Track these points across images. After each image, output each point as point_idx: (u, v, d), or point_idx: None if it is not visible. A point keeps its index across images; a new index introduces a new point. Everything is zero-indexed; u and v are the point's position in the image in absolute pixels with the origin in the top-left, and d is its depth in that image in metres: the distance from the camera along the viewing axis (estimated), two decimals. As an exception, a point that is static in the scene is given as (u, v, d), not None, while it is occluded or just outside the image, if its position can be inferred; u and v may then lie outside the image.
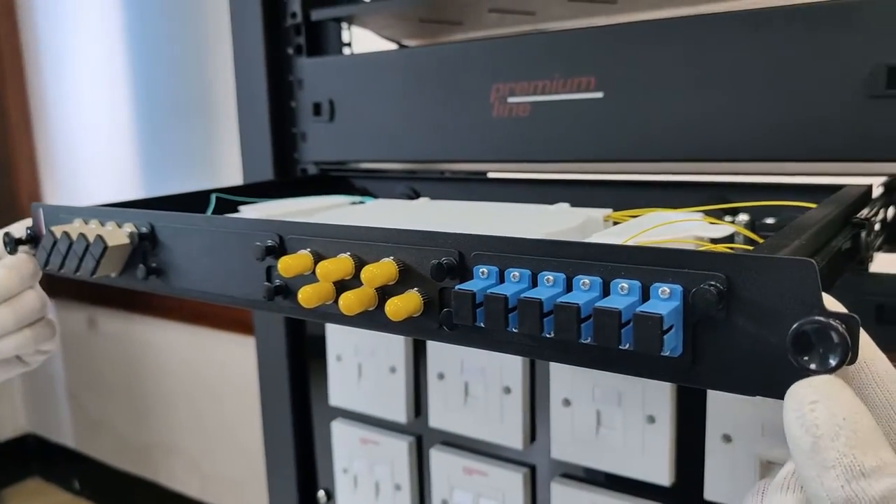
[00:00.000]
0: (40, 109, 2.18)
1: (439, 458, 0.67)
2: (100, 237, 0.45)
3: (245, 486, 1.84)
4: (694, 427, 0.53)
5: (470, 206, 0.57)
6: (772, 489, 0.27)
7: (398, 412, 0.68)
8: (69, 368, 2.31)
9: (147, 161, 1.90)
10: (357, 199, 0.63)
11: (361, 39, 0.77)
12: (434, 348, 0.65)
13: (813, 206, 0.41)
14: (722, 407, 0.51)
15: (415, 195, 0.68)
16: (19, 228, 0.51)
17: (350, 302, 0.35)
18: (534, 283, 0.31)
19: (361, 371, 0.70)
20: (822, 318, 0.25)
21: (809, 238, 0.33)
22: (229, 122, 1.64)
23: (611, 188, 0.58)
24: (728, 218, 0.50)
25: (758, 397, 0.49)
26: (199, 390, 1.91)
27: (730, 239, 0.44)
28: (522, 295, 0.30)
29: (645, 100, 0.54)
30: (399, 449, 0.69)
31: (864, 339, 0.26)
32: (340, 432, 0.74)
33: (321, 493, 0.78)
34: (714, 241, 0.41)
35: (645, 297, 0.28)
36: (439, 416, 0.66)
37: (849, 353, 0.24)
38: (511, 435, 0.62)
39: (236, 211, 0.59)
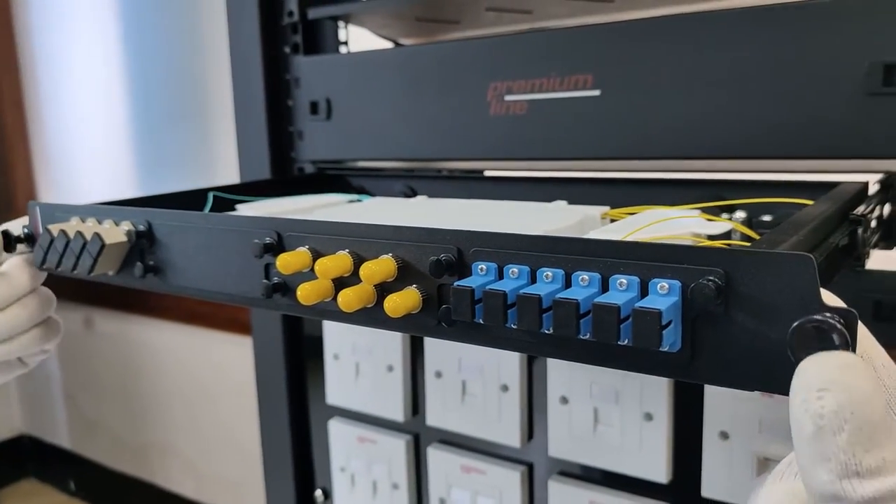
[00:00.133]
0: (36, 109, 2.18)
1: (437, 457, 0.67)
2: (97, 235, 0.45)
3: (242, 486, 1.84)
4: (691, 424, 0.53)
5: (467, 203, 0.57)
6: (770, 478, 0.27)
7: (395, 411, 0.68)
8: (65, 369, 2.30)
9: (143, 160, 1.90)
10: (354, 197, 0.63)
11: (358, 38, 0.77)
12: (432, 346, 0.65)
13: (810, 202, 0.41)
14: (719, 404, 0.51)
15: (412, 193, 0.68)
16: (15, 227, 0.51)
17: (349, 299, 0.35)
18: (532, 280, 0.31)
19: (359, 370, 0.70)
20: (820, 314, 0.25)
21: (807, 234, 0.33)
22: (226, 122, 1.63)
23: (608, 186, 0.58)
24: (725, 215, 0.50)
25: (755, 394, 0.49)
26: (196, 390, 1.91)
27: (727, 236, 0.44)
28: (521, 291, 0.30)
29: (642, 98, 0.54)
30: (396, 447, 0.69)
31: (863, 332, 0.26)
32: (338, 431, 0.74)
33: (318, 492, 0.78)
34: (711, 237, 0.41)
35: (643, 292, 0.28)
36: (437, 415, 0.66)
37: (847, 348, 0.24)
38: (509, 433, 0.62)
39: (233, 209, 0.59)
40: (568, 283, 0.30)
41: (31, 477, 2.48)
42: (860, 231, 0.38)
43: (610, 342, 0.28)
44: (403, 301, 0.34)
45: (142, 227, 0.46)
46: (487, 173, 0.72)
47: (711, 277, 0.27)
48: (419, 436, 0.69)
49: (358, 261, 0.36)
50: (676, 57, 0.52)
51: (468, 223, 0.35)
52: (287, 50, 0.74)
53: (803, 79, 0.48)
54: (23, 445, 2.48)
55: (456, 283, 0.32)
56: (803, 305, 0.25)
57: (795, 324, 0.25)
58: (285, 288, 0.40)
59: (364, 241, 0.36)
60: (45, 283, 0.51)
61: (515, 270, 0.31)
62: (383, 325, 0.37)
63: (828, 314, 0.25)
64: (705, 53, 0.51)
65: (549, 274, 0.30)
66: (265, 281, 0.40)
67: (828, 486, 0.22)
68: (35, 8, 2.09)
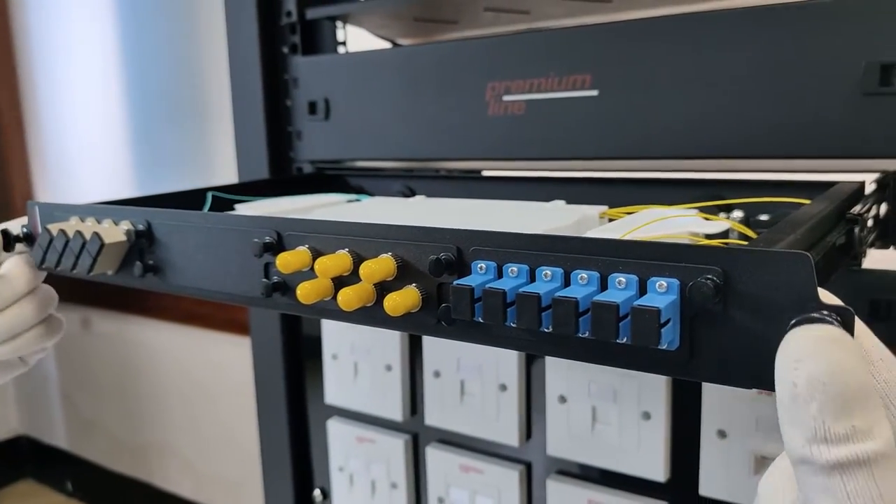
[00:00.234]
0: (33, 109, 2.17)
1: (435, 456, 0.67)
2: (96, 234, 0.45)
3: (240, 486, 1.84)
4: (689, 423, 0.53)
5: (466, 203, 0.57)
6: (781, 454, 0.28)
7: (394, 410, 0.69)
8: (62, 369, 2.30)
9: (141, 160, 1.90)
10: (353, 197, 0.63)
11: (356, 39, 0.77)
12: (430, 346, 0.65)
13: (807, 202, 0.41)
14: (716, 403, 0.52)
15: (410, 193, 0.68)
16: (14, 226, 0.51)
17: (349, 298, 0.35)
18: (532, 278, 0.31)
19: (357, 369, 0.70)
20: (817, 311, 0.25)
21: (804, 233, 0.33)
22: (223, 122, 1.63)
23: (606, 185, 0.58)
24: (723, 215, 0.50)
25: (752, 393, 0.50)
26: (194, 391, 1.91)
27: (724, 235, 0.44)
28: (521, 289, 0.30)
29: (640, 98, 0.54)
30: (395, 447, 0.69)
31: (861, 328, 0.26)
32: (336, 431, 0.74)
33: (317, 492, 0.79)
34: (709, 236, 0.41)
35: (642, 291, 0.29)
36: (435, 414, 0.66)
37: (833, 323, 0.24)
38: (507, 432, 0.62)
39: (232, 209, 0.59)
40: (567, 282, 0.30)
41: (29, 478, 2.48)
42: (857, 230, 0.38)
43: (609, 340, 0.28)
44: (403, 300, 0.34)
45: (141, 227, 0.46)
46: (485, 173, 0.73)
47: (710, 276, 0.27)
48: (418, 435, 0.69)
49: (357, 260, 0.36)
50: (674, 57, 0.52)
51: (467, 222, 0.35)
52: (285, 50, 0.74)
53: (800, 79, 0.48)
54: (20, 446, 2.47)
55: (455, 282, 0.32)
56: (801, 303, 0.26)
57: (793, 321, 0.25)
58: (285, 287, 0.40)
59: (364, 240, 0.36)
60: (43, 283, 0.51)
61: (515, 269, 0.32)
62: (383, 323, 0.37)
63: (825, 312, 0.25)
64: (703, 53, 0.51)
65: (549, 273, 0.31)
66: (265, 280, 0.40)
67: (799, 449, 0.23)
68: (32, 8, 2.09)
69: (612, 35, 0.55)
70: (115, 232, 0.46)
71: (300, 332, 0.77)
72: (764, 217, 0.50)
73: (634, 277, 0.29)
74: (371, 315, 0.36)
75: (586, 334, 0.29)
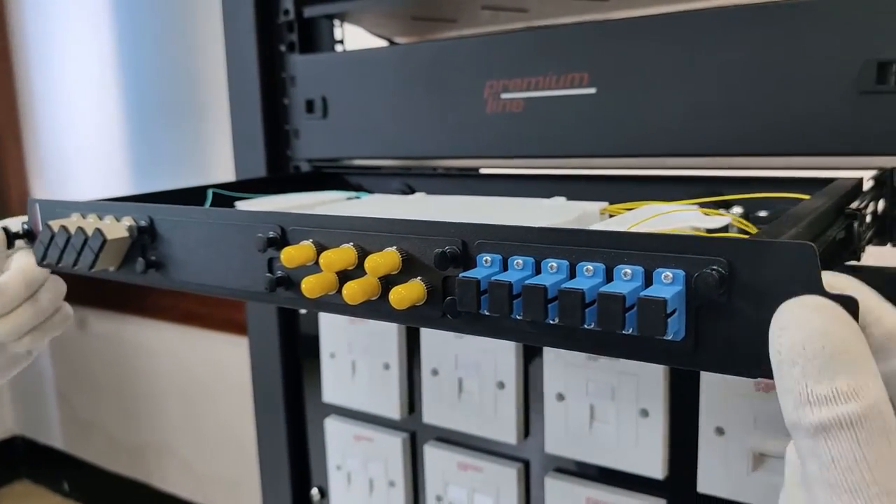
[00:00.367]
0: (29, 109, 2.17)
1: (433, 454, 0.67)
2: (98, 230, 0.45)
3: (239, 486, 1.84)
4: (687, 420, 0.53)
5: (466, 200, 0.57)
6: None
7: (392, 409, 0.68)
8: (58, 369, 2.29)
9: (137, 160, 1.90)
10: (352, 194, 0.63)
11: (354, 38, 0.77)
12: (428, 344, 0.65)
13: (806, 197, 0.42)
14: (714, 400, 0.52)
15: (409, 191, 0.68)
16: (14, 224, 0.51)
17: (354, 291, 0.35)
18: (537, 271, 0.31)
19: (355, 368, 0.70)
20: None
21: (805, 227, 0.33)
22: (221, 121, 1.63)
23: (605, 182, 0.58)
24: (722, 211, 0.50)
25: (750, 390, 0.50)
26: (192, 391, 1.91)
27: (725, 230, 0.44)
28: (527, 281, 0.30)
29: (637, 96, 0.54)
30: (393, 445, 0.69)
31: (865, 290, 0.27)
32: (334, 429, 0.74)
33: (315, 491, 0.78)
34: (710, 231, 0.42)
35: (648, 282, 0.29)
36: (433, 413, 0.66)
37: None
38: (505, 430, 0.62)
39: (232, 207, 0.59)
40: (572, 274, 0.31)
41: (25, 478, 2.47)
42: (856, 225, 0.38)
43: (615, 331, 0.28)
44: (409, 293, 0.34)
45: (143, 223, 0.46)
46: (483, 170, 0.73)
47: (715, 267, 0.27)
48: (416, 433, 0.69)
49: (362, 254, 0.36)
50: (671, 55, 0.52)
51: (469, 218, 0.35)
52: (283, 48, 0.74)
53: (797, 76, 0.48)
54: (16, 447, 2.47)
55: (461, 275, 0.32)
56: (805, 293, 0.26)
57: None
58: (289, 282, 0.40)
59: (368, 234, 0.36)
60: None
61: (520, 262, 0.32)
62: (388, 317, 0.37)
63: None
64: (700, 51, 0.51)
65: (554, 265, 0.31)
66: (268, 275, 0.40)
67: (790, 414, 0.24)
68: (28, 7, 2.08)
69: (609, 33, 0.55)
70: (117, 228, 0.46)
71: (298, 330, 0.77)
72: (763, 213, 0.50)
73: (640, 269, 0.29)
74: (376, 308, 0.36)
75: (592, 325, 0.29)
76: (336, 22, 0.75)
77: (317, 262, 0.37)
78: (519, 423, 0.61)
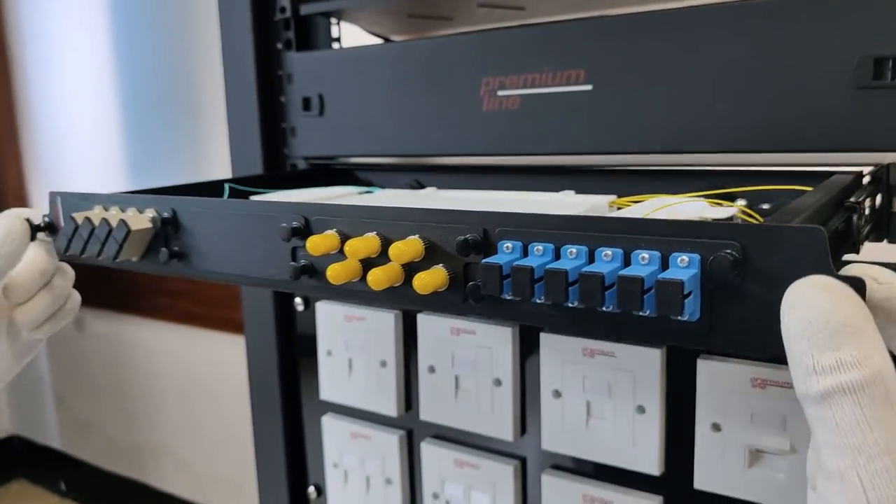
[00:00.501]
0: (26, 108, 2.17)
1: (430, 452, 0.67)
2: (123, 221, 0.46)
3: (236, 485, 1.84)
4: (683, 416, 0.53)
5: (477, 194, 0.58)
6: None
7: (389, 406, 0.68)
8: (55, 370, 2.29)
9: (134, 158, 1.89)
10: (364, 189, 0.64)
11: (350, 36, 0.77)
12: (424, 342, 0.65)
13: (808, 189, 0.42)
14: (711, 396, 0.52)
15: (418, 186, 0.68)
16: (35, 216, 0.52)
17: (378, 278, 0.36)
18: (557, 256, 0.33)
19: (352, 365, 0.70)
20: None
21: (810, 216, 0.34)
22: (217, 119, 1.63)
23: (609, 177, 0.58)
24: (727, 202, 0.51)
25: (747, 386, 0.50)
26: (190, 390, 1.91)
27: (731, 220, 0.45)
28: (548, 266, 0.31)
29: (634, 92, 0.54)
30: (390, 443, 0.69)
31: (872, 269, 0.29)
32: (331, 427, 0.74)
33: (311, 489, 0.78)
34: (717, 221, 0.42)
35: (664, 266, 0.30)
36: (430, 410, 0.66)
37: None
38: (502, 427, 0.62)
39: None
40: (591, 259, 0.32)
41: (22, 478, 2.47)
42: (855, 218, 0.39)
43: (633, 312, 0.30)
44: (432, 279, 0.35)
45: (166, 214, 0.47)
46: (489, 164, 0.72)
47: (729, 251, 0.29)
48: (412, 431, 0.69)
49: (385, 242, 0.38)
50: (668, 52, 0.52)
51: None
52: (279, 46, 0.74)
53: (793, 72, 0.48)
54: (13, 446, 2.46)
55: (484, 260, 0.33)
56: (815, 274, 0.27)
57: None
58: (312, 270, 0.41)
59: (391, 223, 0.38)
60: None
61: (540, 248, 0.33)
62: (411, 303, 0.38)
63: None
64: (697, 48, 0.51)
65: (574, 251, 0.32)
66: (293, 263, 0.42)
67: (799, 384, 0.26)
68: (25, 7, 2.08)
69: (605, 30, 0.55)
70: (140, 220, 0.47)
71: (294, 328, 0.77)
72: (765, 206, 0.50)
73: (657, 253, 0.30)
74: (399, 295, 0.38)
75: (610, 308, 0.31)
76: (332, 20, 0.75)
77: (340, 251, 0.39)
78: (515, 420, 0.61)
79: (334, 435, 0.74)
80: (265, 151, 0.75)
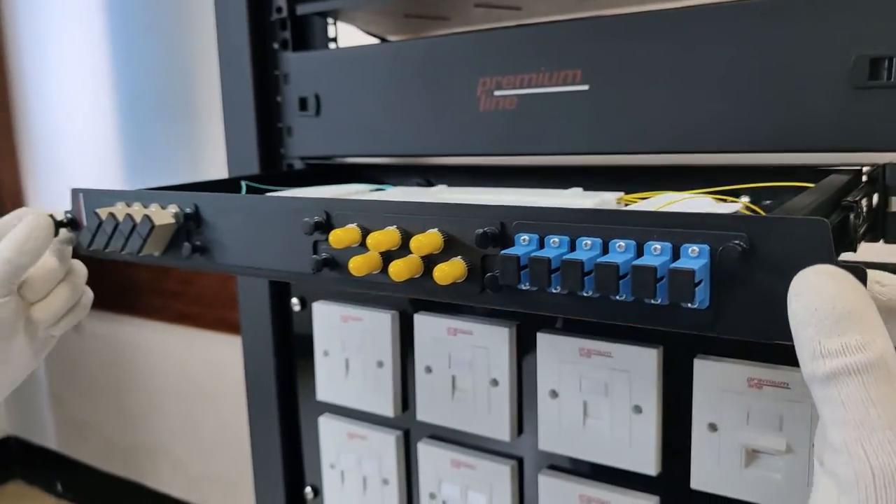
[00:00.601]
0: (22, 108, 2.16)
1: (427, 452, 0.67)
2: (147, 217, 0.47)
3: (233, 485, 1.83)
4: (680, 416, 0.53)
5: (487, 192, 0.58)
6: None
7: (385, 406, 0.68)
8: (52, 370, 2.29)
9: (130, 158, 1.89)
10: (376, 187, 0.64)
11: (347, 36, 0.77)
12: (421, 342, 0.65)
13: (811, 185, 0.43)
14: (707, 396, 0.52)
15: (426, 184, 0.68)
16: (58, 213, 0.54)
17: (399, 269, 0.38)
18: (572, 248, 0.34)
19: (349, 366, 0.70)
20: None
21: (815, 209, 0.35)
22: (214, 119, 1.63)
23: (615, 175, 0.59)
24: (731, 198, 0.51)
25: (743, 386, 0.50)
26: (186, 391, 1.90)
27: None
28: (565, 256, 0.33)
29: (630, 92, 0.54)
30: (386, 443, 0.69)
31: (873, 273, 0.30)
32: (328, 427, 0.74)
33: (308, 490, 0.78)
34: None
35: (675, 256, 0.32)
36: (427, 410, 0.66)
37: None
38: (498, 427, 0.62)
39: None
40: (605, 250, 0.34)
41: (18, 479, 2.46)
42: (852, 217, 0.39)
43: (646, 300, 0.32)
44: (452, 270, 0.37)
45: (189, 210, 0.48)
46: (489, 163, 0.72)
47: (737, 241, 0.30)
48: (409, 431, 0.69)
49: (405, 235, 0.40)
50: (664, 52, 0.52)
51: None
52: (276, 46, 0.74)
53: (790, 73, 0.48)
54: (9, 447, 2.46)
55: (503, 252, 0.35)
56: (818, 264, 0.29)
57: None
58: (333, 263, 0.43)
59: (411, 217, 0.40)
60: None
61: (556, 240, 0.35)
62: (429, 293, 0.40)
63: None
64: (693, 48, 0.51)
65: (588, 242, 0.34)
66: (314, 256, 0.43)
67: (806, 367, 0.28)
68: (21, 7, 2.07)
69: (602, 30, 0.55)
70: (163, 215, 0.49)
71: (291, 328, 0.77)
72: (767, 202, 0.50)
73: (668, 244, 0.32)
74: (419, 285, 0.40)
75: (623, 297, 0.32)
76: (329, 20, 0.75)
77: (361, 244, 0.41)
78: (512, 420, 0.61)
79: (331, 435, 0.74)
80: (261, 151, 0.75)
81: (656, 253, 0.32)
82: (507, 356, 0.60)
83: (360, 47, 0.70)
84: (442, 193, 0.60)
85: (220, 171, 0.78)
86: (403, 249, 0.39)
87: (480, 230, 0.37)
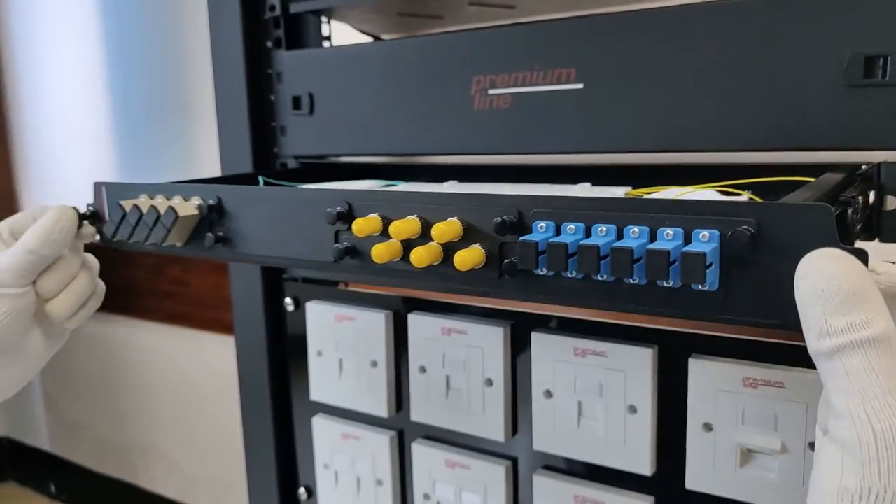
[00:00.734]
0: (15, 107, 2.15)
1: (421, 452, 0.66)
2: (171, 208, 0.49)
3: (227, 486, 1.83)
4: (675, 416, 0.53)
5: (498, 187, 0.58)
6: None
7: (379, 407, 0.68)
8: (45, 370, 2.26)
9: (124, 157, 1.88)
10: (387, 182, 0.64)
11: (341, 35, 0.77)
12: (415, 342, 0.65)
13: (811, 179, 0.44)
14: (702, 396, 0.51)
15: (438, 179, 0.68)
16: (80, 207, 0.55)
17: (420, 256, 0.40)
18: (587, 234, 0.36)
19: (342, 366, 0.70)
20: None
21: (820, 197, 0.37)
22: (207, 118, 1.62)
23: (617, 174, 0.59)
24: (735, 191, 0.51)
25: (738, 386, 0.50)
26: (180, 391, 1.90)
27: None
28: (581, 242, 0.35)
29: (625, 91, 0.54)
30: (380, 444, 0.69)
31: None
32: (321, 428, 0.73)
33: (302, 490, 0.78)
34: None
35: (687, 241, 0.33)
36: (421, 410, 0.65)
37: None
38: (493, 428, 0.61)
39: None
40: (620, 236, 0.35)
41: (11, 480, 2.45)
42: (850, 212, 0.39)
43: (658, 283, 0.34)
44: (471, 256, 0.38)
45: (212, 202, 0.50)
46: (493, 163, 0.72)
47: (746, 226, 0.32)
48: (403, 431, 0.69)
49: (425, 224, 0.41)
50: (659, 50, 0.52)
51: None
52: (269, 44, 0.73)
53: (785, 71, 0.48)
54: (2, 448, 2.45)
55: (522, 238, 0.36)
56: (823, 247, 0.30)
57: None
58: (354, 251, 0.44)
59: (431, 206, 0.41)
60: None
61: (572, 227, 0.36)
62: (449, 280, 0.41)
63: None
64: (688, 46, 0.51)
65: (604, 229, 0.35)
66: (336, 245, 0.45)
67: (812, 345, 0.29)
68: (13, 6, 2.07)
69: (596, 28, 0.55)
70: (186, 206, 0.50)
71: (284, 329, 0.76)
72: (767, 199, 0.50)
73: (680, 230, 0.34)
74: (438, 272, 0.41)
75: (637, 280, 0.34)
76: (323, 18, 0.74)
77: (382, 233, 0.42)
78: (507, 420, 0.61)
79: (325, 436, 0.73)
80: (255, 151, 0.74)
81: (669, 238, 0.34)
82: (501, 356, 0.60)
83: (353, 46, 0.69)
84: (454, 188, 0.60)
85: (213, 172, 0.77)
86: (423, 238, 0.41)
87: (499, 218, 0.38)
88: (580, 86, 0.56)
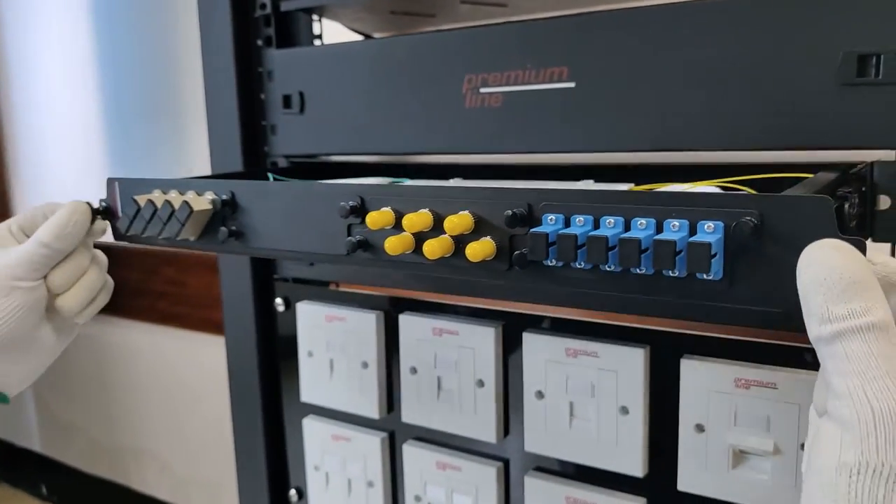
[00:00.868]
0: (6, 107, 2.14)
1: (412, 454, 0.66)
2: (186, 202, 0.49)
3: (219, 487, 1.82)
4: (667, 417, 0.53)
5: (504, 184, 0.58)
6: None
7: (370, 408, 0.68)
8: (36, 371, 2.26)
9: (114, 156, 1.87)
10: (394, 179, 0.64)
11: (332, 33, 0.76)
12: (407, 343, 0.64)
13: (809, 175, 0.44)
14: (694, 397, 0.51)
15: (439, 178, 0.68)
16: (93, 202, 0.55)
17: (433, 248, 0.40)
18: (596, 226, 0.37)
19: (333, 367, 0.69)
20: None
21: (819, 190, 0.38)
22: (198, 117, 1.61)
23: (621, 172, 0.59)
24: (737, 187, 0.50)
25: (731, 386, 0.49)
26: (172, 392, 1.89)
27: None
28: (591, 233, 0.36)
29: (617, 90, 0.53)
30: (371, 445, 0.68)
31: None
32: (312, 429, 0.73)
33: (292, 492, 0.77)
34: None
35: (692, 232, 0.34)
36: (412, 412, 0.65)
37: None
38: (484, 429, 0.61)
39: None
40: (627, 228, 0.36)
41: (2, 482, 2.44)
42: (847, 206, 0.40)
43: (664, 273, 0.35)
44: (482, 248, 0.39)
45: (225, 197, 0.50)
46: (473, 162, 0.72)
47: (749, 217, 0.33)
48: (394, 433, 0.68)
49: (437, 218, 0.42)
50: (651, 49, 0.52)
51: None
52: (260, 43, 0.73)
53: (778, 70, 0.48)
54: (-7, 450, 2.43)
55: (532, 230, 0.37)
56: (823, 238, 0.31)
57: None
58: (367, 244, 0.45)
59: (442, 200, 0.42)
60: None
61: (581, 219, 0.37)
62: (460, 271, 0.42)
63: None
64: (679, 45, 0.51)
65: (612, 221, 0.36)
66: (349, 238, 0.45)
67: (814, 331, 0.30)
68: (4, 7, 2.05)
69: (588, 27, 0.54)
70: (200, 201, 0.50)
71: (275, 329, 0.76)
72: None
73: (686, 222, 0.35)
74: (450, 264, 0.42)
75: (643, 270, 0.35)
76: (314, 17, 0.74)
77: (395, 226, 0.43)
78: (498, 421, 0.61)
79: (315, 437, 0.73)
80: (245, 150, 0.74)
81: (675, 229, 0.35)
82: (492, 356, 0.60)
83: (345, 44, 0.69)
84: (457, 185, 0.60)
85: (204, 172, 0.77)
86: (435, 231, 0.42)
87: (510, 211, 0.39)
88: (572, 84, 0.55)
